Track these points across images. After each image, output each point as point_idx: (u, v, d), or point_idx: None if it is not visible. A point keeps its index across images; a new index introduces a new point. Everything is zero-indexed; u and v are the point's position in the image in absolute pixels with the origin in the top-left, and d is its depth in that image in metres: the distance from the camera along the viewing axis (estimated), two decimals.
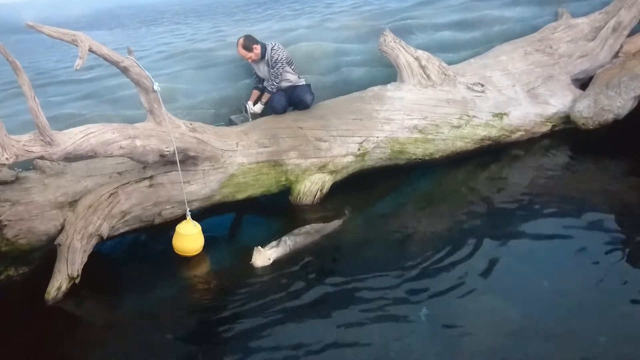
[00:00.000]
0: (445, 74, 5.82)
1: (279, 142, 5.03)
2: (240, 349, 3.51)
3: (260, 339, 3.57)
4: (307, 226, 4.64)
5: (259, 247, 4.31)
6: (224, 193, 4.85)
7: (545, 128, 5.91)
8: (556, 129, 5.93)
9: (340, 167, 5.24)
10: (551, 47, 6.22)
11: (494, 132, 5.73)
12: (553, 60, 6.16)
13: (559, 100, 5.94)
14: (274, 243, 4.38)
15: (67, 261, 4.11)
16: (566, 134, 5.89)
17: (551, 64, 6.15)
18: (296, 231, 4.55)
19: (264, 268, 4.24)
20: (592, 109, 5.67)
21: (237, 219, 5.16)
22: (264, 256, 4.27)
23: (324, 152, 5.15)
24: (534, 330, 3.41)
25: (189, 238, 4.38)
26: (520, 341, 3.34)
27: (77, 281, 4.13)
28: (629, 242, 4.21)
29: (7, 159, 3.36)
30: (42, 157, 3.67)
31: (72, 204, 4.31)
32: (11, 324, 3.90)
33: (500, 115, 5.77)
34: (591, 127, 5.68)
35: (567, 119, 5.88)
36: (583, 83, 6.17)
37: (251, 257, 4.29)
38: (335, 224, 4.72)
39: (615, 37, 6.08)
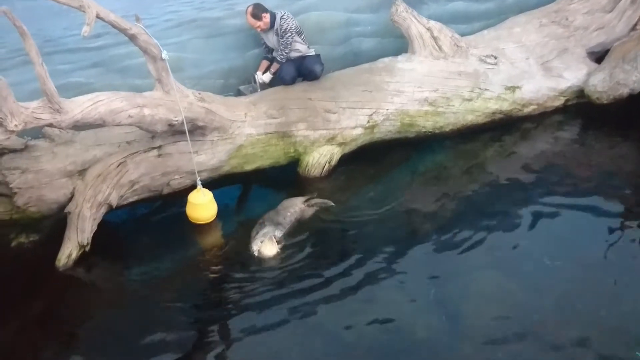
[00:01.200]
0: (457, 46, 5.70)
1: (288, 114, 4.99)
2: (247, 318, 3.56)
3: (266, 309, 3.61)
4: (286, 204, 4.56)
5: (273, 236, 4.20)
6: (233, 164, 4.84)
7: (558, 102, 5.81)
8: (569, 103, 5.82)
9: (349, 139, 5.20)
10: (567, 19, 6.06)
11: (505, 106, 5.64)
12: (568, 33, 6.01)
13: (573, 74, 5.82)
14: (266, 233, 4.24)
15: (77, 229, 4.14)
16: (579, 108, 5.79)
17: (566, 37, 6.01)
18: (281, 216, 4.43)
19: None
20: (607, 83, 5.55)
21: (246, 190, 5.15)
22: (274, 247, 4.15)
23: (333, 124, 5.10)
24: (538, 306, 3.43)
25: (201, 207, 4.39)
26: (523, 316, 3.37)
27: (87, 249, 4.18)
28: None
29: (15, 125, 3.36)
30: (50, 125, 3.67)
31: (81, 172, 4.32)
32: (22, 289, 3.97)
33: (512, 89, 5.66)
34: (605, 102, 5.57)
35: (581, 93, 5.77)
36: (599, 56, 6.03)
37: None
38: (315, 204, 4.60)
39: (634, 8, 5.91)
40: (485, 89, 5.57)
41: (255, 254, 4.12)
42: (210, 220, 4.46)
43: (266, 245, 4.14)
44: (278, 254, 4.11)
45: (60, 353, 3.50)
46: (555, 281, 3.62)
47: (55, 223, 4.41)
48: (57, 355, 3.49)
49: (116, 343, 3.48)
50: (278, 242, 4.18)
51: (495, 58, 5.70)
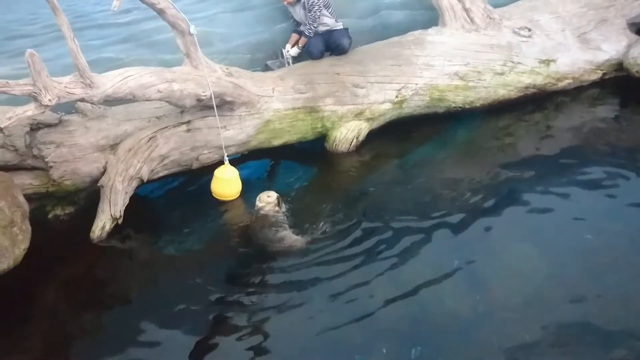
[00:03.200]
0: (490, 18, 5.54)
1: (315, 88, 4.96)
2: (271, 290, 3.62)
3: (291, 281, 3.66)
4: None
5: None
6: (260, 139, 4.86)
7: (595, 76, 5.60)
8: (607, 77, 5.62)
9: (377, 114, 5.15)
10: None
11: (539, 80, 5.48)
12: (608, 2, 5.77)
13: (612, 46, 5.59)
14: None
15: (109, 202, 4.24)
16: (617, 82, 5.58)
17: (606, 7, 5.76)
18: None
19: (298, 211, 4.28)
20: None
21: (274, 165, 5.17)
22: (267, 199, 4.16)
23: (361, 98, 5.05)
24: (566, 282, 3.38)
25: (227, 182, 4.43)
26: (554, 295, 3.31)
27: (119, 221, 4.28)
28: None
29: (49, 100, 3.44)
30: (82, 99, 3.74)
31: (113, 147, 4.41)
32: (59, 259, 4.11)
33: (547, 62, 5.49)
34: None
35: (619, 66, 5.55)
36: None
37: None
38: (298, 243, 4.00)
39: None
40: (519, 63, 5.41)
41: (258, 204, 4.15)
42: (234, 197, 4.48)
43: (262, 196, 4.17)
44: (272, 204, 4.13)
45: (95, 317, 3.62)
46: (587, 258, 3.54)
47: (89, 195, 4.53)
48: (92, 319, 3.61)
49: (146, 311, 3.58)
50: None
51: (530, 30, 5.52)
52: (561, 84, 5.56)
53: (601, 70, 5.60)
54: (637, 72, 5.37)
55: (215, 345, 3.31)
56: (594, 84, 5.61)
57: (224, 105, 4.54)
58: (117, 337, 3.41)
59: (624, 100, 5.49)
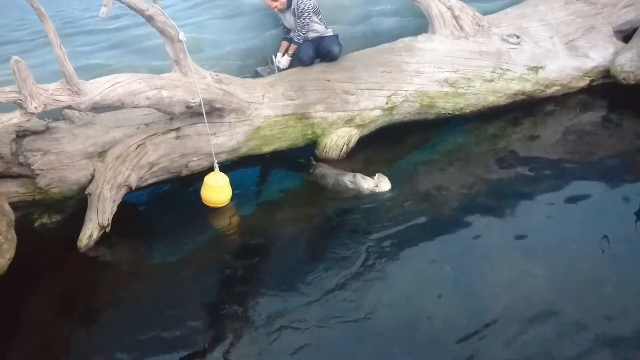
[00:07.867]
0: (479, 25, 5.57)
1: (306, 95, 4.95)
2: (263, 300, 3.59)
3: (281, 289, 3.64)
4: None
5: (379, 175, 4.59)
6: (250, 145, 4.83)
7: (583, 83, 5.65)
8: (594, 83, 5.67)
9: (368, 121, 5.15)
10: None
11: (528, 87, 5.51)
12: (595, 10, 5.83)
13: (599, 53, 5.65)
14: None
15: (97, 210, 4.19)
16: (605, 89, 5.63)
17: (593, 14, 5.82)
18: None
19: (288, 218, 4.26)
20: (634, 63, 5.36)
21: (264, 172, 5.15)
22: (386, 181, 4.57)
23: (352, 105, 5.05)
24: (559, 292, 3.38)
25: (217, 189, 4.39)
26: (543, 301, 3.32)
27: (107, 230, 4.23)
28: None
29: (35, 107, 3.39)
30: (69, 107, 3.70)
31: (101, 154, 4.37)
32: (45, 269, 4.05)
33: (535, 69, 5.53)
34: (632, 82, 5.38)
35: (606, 73, 5.60)
36: (626, 35, 5.84)
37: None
38: None
39: None
40: (508, 69, 5.45)
41: (376, 189, 4.51)
42: (224, 204, 4.44)
43: (384, 181, 4.56)
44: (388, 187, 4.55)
45: (83, 327, 3.57)
46: (577, 266, 3.55)
47: (77, 203, 4.47)
48: (79, 329, 3.56)
49: (135, 320, 3.54)
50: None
51: (518, 37, 5.56)
52: (549, 91, 5.60)
53: (589, 77, 5.65)
54: (623, 79, 5.42)
55: (207, 353, 3.27)
56: (581, 91, 5.66)
57: (213, 112, 4.51)
58: (105, 347, 3.36)
59: (611, 106, 5.54)
